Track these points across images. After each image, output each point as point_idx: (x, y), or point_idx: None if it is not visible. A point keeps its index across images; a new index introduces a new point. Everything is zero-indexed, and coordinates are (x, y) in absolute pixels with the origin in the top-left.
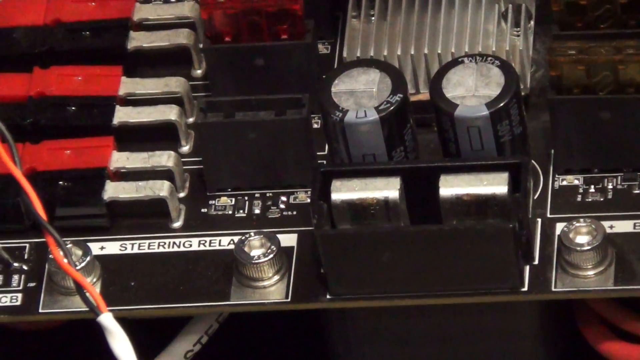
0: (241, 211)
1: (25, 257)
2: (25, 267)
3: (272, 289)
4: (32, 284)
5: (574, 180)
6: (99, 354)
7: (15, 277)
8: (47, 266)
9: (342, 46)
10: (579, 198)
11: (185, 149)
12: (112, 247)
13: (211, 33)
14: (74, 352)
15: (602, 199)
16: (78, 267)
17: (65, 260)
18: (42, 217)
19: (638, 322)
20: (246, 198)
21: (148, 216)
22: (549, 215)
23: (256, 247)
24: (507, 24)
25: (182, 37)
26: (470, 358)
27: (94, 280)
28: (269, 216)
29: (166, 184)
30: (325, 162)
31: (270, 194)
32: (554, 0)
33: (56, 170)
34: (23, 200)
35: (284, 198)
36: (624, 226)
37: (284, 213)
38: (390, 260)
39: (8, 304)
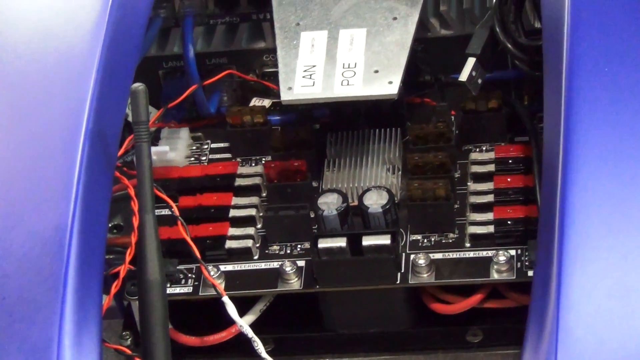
0: (282, 251)
1: (194, 271)
2: (193, 276)
3: (294, 283)
4: (196, 283)
5: (418, 237)
6: (222, 311)
7: (189, 280)
8: (201, 276)
9: (322, 183)
10: (420, 244)
11: (259, 226)
12: (229, 267)
13: (268, 178)
14: (213, 313)
15: (429, 244)
16: (213, 276)
17: (207, 273)
18: (198, 256)
19: (445, 294)
20: (284, 245)
21: (243, 254)
22: (407, 251)
23: (287, 266)
24: (389, 172)
25: (257, 180)
26: (374, 313)
27: (220, 281)
28: (294, 253)
29: (250, 241)
30: (316, 230)
31: (294, 244)
32: (409, 163)
33: (204, 236)
34: (191, 249)
35: (300, 246)
36: (437, 256)
37: (299, 252)
38: (343, 272)
39: (185, 291)
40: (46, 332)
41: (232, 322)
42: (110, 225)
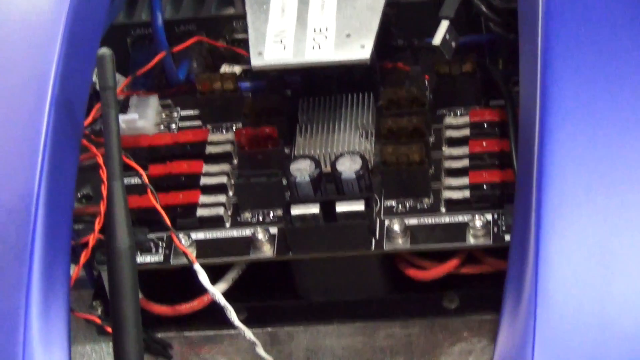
0: (254, 218)
1: (164, 240)
2: (164, 245)
3: (267, 251)
4: (167, 252)
5: (392, 202)
6: (194, 280)
7: (160, 249)
8: (172, 244)
9: (294, 149)
10: (394, 210)
11: (230, 194)
12: (200, 235)
13: (239, 145)
14: (185, 283)
15: (404, 210)
16: (184, 244)
17: (178, 241)
18: (168, 224)
19: (421, 260)
20: (256, 212)
21: (215, 222)
22: (382, 217)
23: (260, 234)
24: (362, 137)
25: (228, 147)
26: (348, 280)
27: (192, 250)
28: (266, 220)
29: (222, 208)
30: (288, 197)
31: (267, 212)
32: (382, 128)
33: (175, 204)
34: (162, 217)
35: (272, 213)
36: (412, 221)
37: (272, 219)
38: (317, 239)
39: (156, 260)
40: (13, 301)
41: (204, 291)
42: (79, 195)
